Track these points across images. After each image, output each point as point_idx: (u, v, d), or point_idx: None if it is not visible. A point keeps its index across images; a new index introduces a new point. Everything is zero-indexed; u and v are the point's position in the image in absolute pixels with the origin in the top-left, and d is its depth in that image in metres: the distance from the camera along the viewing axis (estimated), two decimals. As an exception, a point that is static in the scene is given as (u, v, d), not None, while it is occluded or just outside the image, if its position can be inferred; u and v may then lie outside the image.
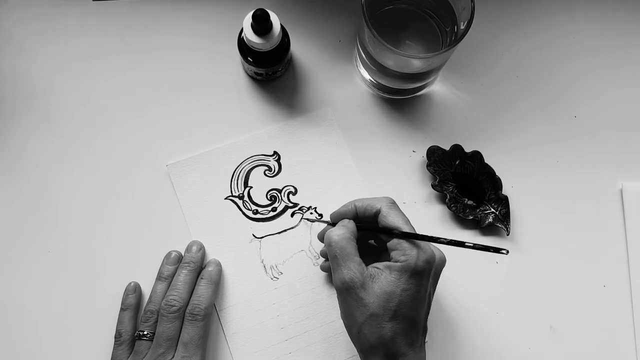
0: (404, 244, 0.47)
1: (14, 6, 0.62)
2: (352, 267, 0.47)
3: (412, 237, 0.47)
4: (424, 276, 0.47)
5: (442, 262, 0.49)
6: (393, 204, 0.50)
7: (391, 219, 0.48)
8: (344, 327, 0.50)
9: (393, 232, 0.48)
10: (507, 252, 0.45)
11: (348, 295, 0.47)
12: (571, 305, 0.59)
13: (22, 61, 0.61)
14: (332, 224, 0.53)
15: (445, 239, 0.47)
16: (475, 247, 0.46)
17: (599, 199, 0.60)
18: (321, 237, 0.55)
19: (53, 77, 0.61)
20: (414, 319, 0.47)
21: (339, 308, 0.49)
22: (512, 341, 0.58)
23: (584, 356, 0.58)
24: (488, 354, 0.58)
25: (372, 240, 0.54)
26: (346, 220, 0.51)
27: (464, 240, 0.47)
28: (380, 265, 0.47)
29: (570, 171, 0.61)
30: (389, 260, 0.47)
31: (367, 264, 0.48)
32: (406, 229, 0.48)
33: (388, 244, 0.48)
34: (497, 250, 0.45)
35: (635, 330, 0.58)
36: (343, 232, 0.49)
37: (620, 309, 0.59)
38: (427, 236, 0.47)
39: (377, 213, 0.49)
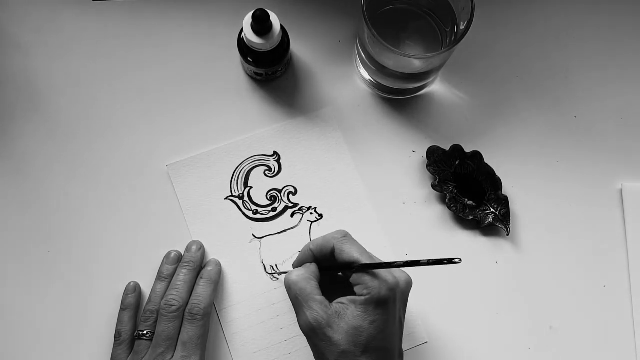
0: (364, 277, 0.46)
1: (14, 6, 0.62)
2: (315, 307, 0.46)
3: (369, 268, 0.46)
4: (390, 304, 0.46)
5: (408, 285, 0.48)
6: (345, 237, 0.49)
7: (346, 254, 0.47)
8: None
9: (352, 267, 0.47)
10: (460, 260, 0.42)
11: (315, 336, 0.46)
12: (571, 305, 0.59)
13: (22, 61, 0.61)
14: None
15: (400, 262, 0.45)
16: (430, 262, 0.44)
17: (599, 199, 0.60)
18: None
19: (53, 77, 0.61)
20: (386, 349, 0.46)
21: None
22: (512, 341, 0.58)
23: (584, 356, 0.58)
24: (488, 354, 0.58)
25: (341, 273, 0.52)
26: (308, 264, 0.50)
27: (419, 259, 0.45)
28: (344, 300, 0.46)
29: (570, 171, 0.61)
30: (355, 294, 0.46)
31: (336, 299, 0.47)
32: (363, 259, 0.46)
33: (350, 279, 0.47)
34: (450, 261, 0.43)
35: (635, 330, 0.58)
36: (302, 272, 0.48)
37: (620, 309, 0.59)
38: (383, 263, 0.46)
39: (332, 251, 0.48)
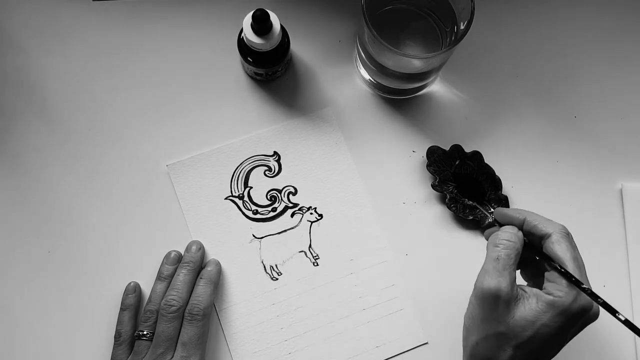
0: (564, 280, 0.44)
1: (14, 6, 0.62)
2: (507, 278, 0.44)
3: (569, 278, 0.44)
4: (572, 320, 0.44)
5: (595, 316, 0.45)
6: (567, 234, 0.46)
7: (559, 249, 0.45)
8: (463, 326, 0.47)
9: (556, 266, 0.45)
10: None
11: (487, 302, 0.44)
12: (571, 306, 0.59)
13: (22, 61, 0.61)
14: (498, 223, 0.50)
15: (598, 296, 0.43)
16: (626, 323, 0.42)
17: (599, 199, 0.60)
18: (487, 234, 0.51)
19: (53, 77, 0.61)
20: (536, 359, 0.44)
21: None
22: (512, 341, 0.58)
23: (584, 356, 0.58)
24: (488, 354, 0.58)
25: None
26: (517, 230, 0.48)
27: (618, 312, 0.43)
28: (528, 289, 0.45)
29: (570, 171, 0.61)
30: (541, 288, 0.45)
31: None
32: (571, 265, 0.44)
33: (546, 273, 0.45)
34: None
35: (635, 331, 0.58)
36: (516, 240, 0.46)
37: (620, 309, 0.58)
38: (584, 286, 0.44)
39: (544, 236, 0.46)
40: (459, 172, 0.60)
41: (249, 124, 0.61)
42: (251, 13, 0.53)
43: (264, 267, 0.59)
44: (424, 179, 0.61)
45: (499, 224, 0.51)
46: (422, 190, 0.60)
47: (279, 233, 0.59)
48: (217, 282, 0.57)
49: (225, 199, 0.60)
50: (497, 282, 0.44)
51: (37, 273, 0.58)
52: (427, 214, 0.60)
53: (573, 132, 0.62)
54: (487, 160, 0.60)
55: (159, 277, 0.57)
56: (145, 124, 0.61)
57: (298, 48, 0.62)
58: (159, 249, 0.58)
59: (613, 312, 0.43)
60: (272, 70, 0.59)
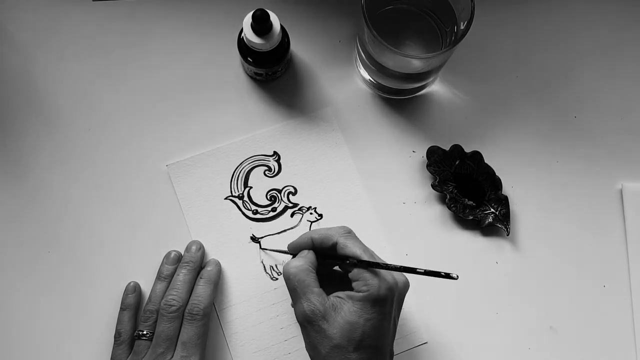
0: (365, 274, 0.46)
1: (14, 6, 0.62)
2: (312, 299, 0.46)
3: (367, 265, 0.47)
4: (387, 304, 0.46)
5: (405, 287, 0.49)
6: (349, 233, 0.50)
7: (349, 249, 0.48)
8: (309, 357, 0.49)
9: (349, 260, 0.47)
10: (457, 277, 0.44)
11: (310, 327, 0.46)
12: (571, 305, 0.59)
13: (22, 61, 0.61)
14: (292, 254, 0.52)
15: (396, 265, 0.46)
16: (426, 273, 0.46)
17: (599, 199, 0.60)
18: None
19: (53, 77, 0.61)
20: (379, 348, 0.46)
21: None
22: (512, 341, 0.58)
23: (584, 356, 0.58)
24: (488, 354, 0.58)
25: (337, 267, 0.52)
26: (305, 251, 0.50)
27: (415, 267, 0.46)
28: (342, 294, 0.47)
29: (570, 171, 0.61)
30: (352, 290, 0.47)
31: (332, 292, 0.47)
32: (365, 256, 0.47)
33: (350, 274, 0.47)
34: (447, 275, 0.45)
35: (635, 330, 0.58)
36: (301, 263, 0.48)
37: (620, 309, 0.59)
38: (380, 264, 0.46)
39: (334, 245, 0.49)
40: (459, 172, 0.60)
41: (249, 124, 0.61)
42: (251, 13, 0.53)
43: (264, 267, 0.59)
44: (424, 179, 0.61)
45: (294, 255, 0.52)
46: (422, 190, 0.60)
47: (278, 233, 0.59)
48: (217, 282, 0.57)
49: (225, 199, 0.60)
50: (302, 307, 0.46)
51: (37, 273, 0.58)
52: (427, 214, 0.60)
53: (573, 132, 0.62)
54: (487, 160, 0.60)
55: (159, 277, 0.57)
56: (145, 124, 0.61)
57: (298, 48, 0.62)
58: (159, 249, 0.58)
59: (412, 270, 0.47)
60: (272, 70, 0.59)
